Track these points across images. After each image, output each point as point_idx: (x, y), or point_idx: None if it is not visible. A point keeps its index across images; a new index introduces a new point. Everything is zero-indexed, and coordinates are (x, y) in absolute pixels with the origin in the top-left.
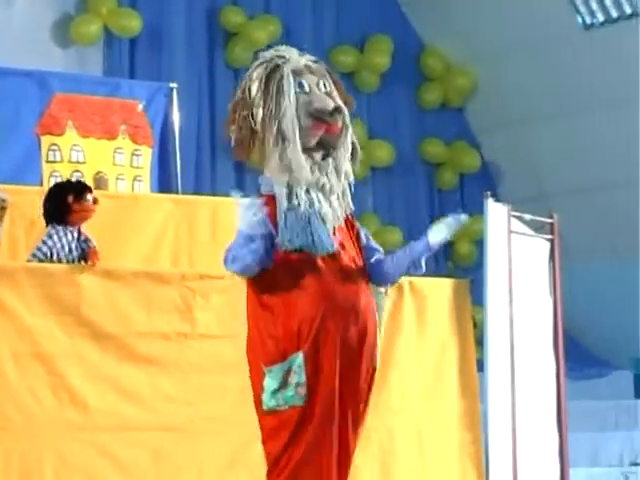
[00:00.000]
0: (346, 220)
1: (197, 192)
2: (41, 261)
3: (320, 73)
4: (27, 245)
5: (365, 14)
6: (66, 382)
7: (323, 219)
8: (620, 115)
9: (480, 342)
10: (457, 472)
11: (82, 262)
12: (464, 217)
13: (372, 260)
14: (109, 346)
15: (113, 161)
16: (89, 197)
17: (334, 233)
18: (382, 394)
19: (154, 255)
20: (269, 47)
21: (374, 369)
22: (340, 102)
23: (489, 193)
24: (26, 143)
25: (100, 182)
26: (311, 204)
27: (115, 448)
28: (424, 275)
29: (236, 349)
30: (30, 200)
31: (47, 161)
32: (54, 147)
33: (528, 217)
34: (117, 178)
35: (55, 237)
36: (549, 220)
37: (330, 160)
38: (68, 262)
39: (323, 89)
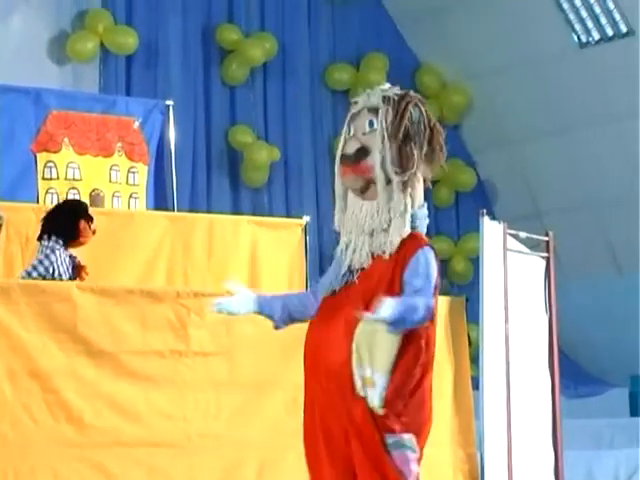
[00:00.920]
0: (400, 250)
1: (192, 209)
2: (41, 275)
3: (374, 110)
4: (23, 262)
5: (361, 32)
6: (61, 399)
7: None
8: (615, 132)
9: (475, 360)
10: None
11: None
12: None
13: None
14: (104, 363)
15: (109, 178)
16: (93, 226)
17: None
18: None
19: (149, 272)
20: (265, 65)
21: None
22: (378, 139)
23: (484, 211)
24: (22, 160)
25: (96, 199)
26: (346, 247)
27: (110, 464)
28: None
29: (230, 366)
30: (26, 217)
31: (43, 178)
32: (50, 164)
33: (523, 235)
34: (113, 195)
35: (57, 252)
36: (544, 238)
37: (360, 197)
38: (69, 279)
39: (367, 128)
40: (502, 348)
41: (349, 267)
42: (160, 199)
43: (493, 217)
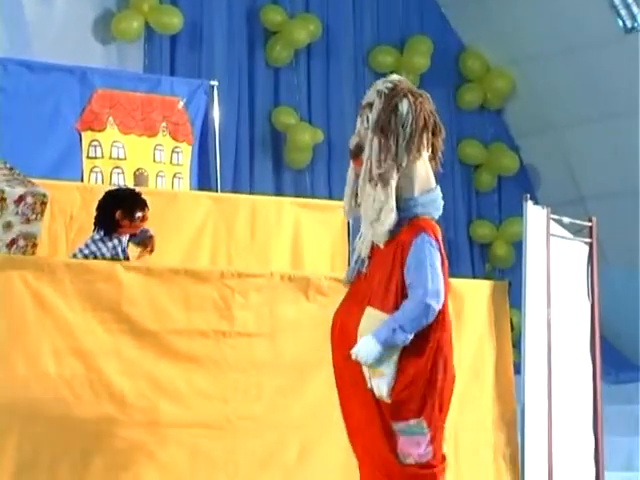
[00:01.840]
0: (397, 238)
1: (235, 190)
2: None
3: (369, 106)
4: (67, 240)
5: (405, 15)
6: (104, 378)
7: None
8: None
9: (516, 344)
10: (492, 474)
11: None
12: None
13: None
14: (147, 343)
15: (153, 158)
16: (138, 214)
17: (369, 256)
18: None
19: (193, 252)
20: (309, 46)
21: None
22: (368, 134)
23: (528, 196)
24: (67, 138)
25: (140, 179)
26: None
27: (150, 443)
28: (462, 277)
29: (273, 348)
30: (70, 195)
31: (88, 157)
32: (95, 143)
33: (567, 220)
34: (157, 175)
35: (100, 243)
36: (588, 223)
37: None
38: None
39: (365, 124)
40: (544, 333)
41: (358, 257)
42: (203, 179)
43: (536, 202)
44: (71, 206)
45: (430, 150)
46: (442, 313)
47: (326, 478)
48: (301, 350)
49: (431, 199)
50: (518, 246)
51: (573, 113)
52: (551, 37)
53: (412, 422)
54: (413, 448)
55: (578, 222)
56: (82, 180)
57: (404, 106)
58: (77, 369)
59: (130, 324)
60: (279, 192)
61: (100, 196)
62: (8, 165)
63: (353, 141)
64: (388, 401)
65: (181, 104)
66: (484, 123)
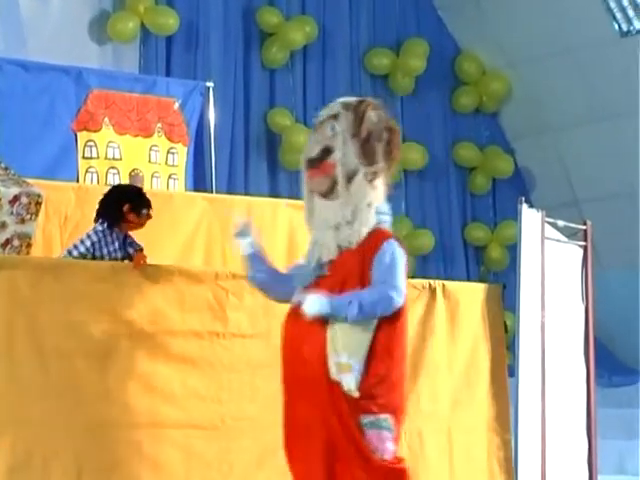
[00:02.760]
0: (365, 242)
1: (230, 191)
2: (82, 255)
3: (334, 117)
4: (61, 241)
5: (401, 17)
6: (98, 379)
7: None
8: None
9: (510, 347)
10: (486, 476)
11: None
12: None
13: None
14: (142, 343)
15: (148, 159)
16: (144, 211)
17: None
18: (412, 397)
19: (188, 253)
20: (305, 48)
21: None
22: (339, 139)
23: (523, 199)
24: (62, 139)
25: (135, 179)
26: (315, 243)
27: (145, 445)
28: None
29: (268, 349)
30: (65, 196)
31: (83, 157)
32: (90, 143)
33: (561, 223)
34: (152, 176)
35: (101, 234)
36: (582, 227)
37: (324, 199)
38: (111, 260)
39: (329, 132)
40: (538, 336)
41: (318, 261)
42: (199, 180)
43: (530, 205)
44: (66, 206)
45: (392, 162)
46: (402, 316)
47: None
48: None
49: (388, 212)
50: (513, 249)
51: (568, 116)
52: (546, 40)
53: (381, 417)
54: (380, 443)
55: (573, 225)
56: (77, 180)
57: (374, 116)
58: (70, 369)
59: (124, 324)
60: (274, 193)
61: (95, 196)
62: (3, 165)
63: (316, 148)
64: (356, 395)
65: (177, 105)
66: (479, 126)
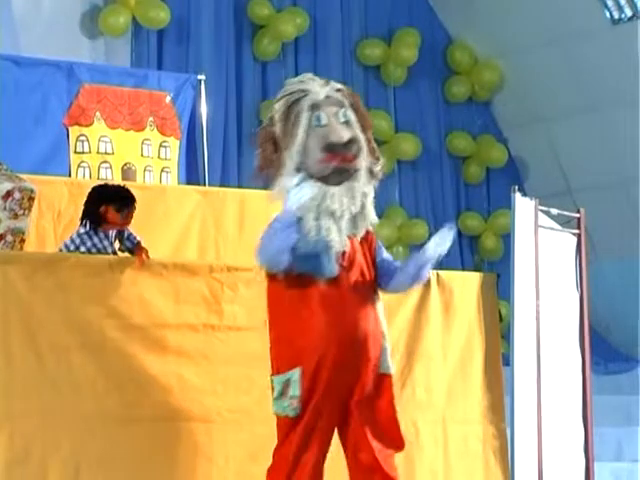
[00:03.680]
0: (365, 234)
1: (223, 184)
2: None
3: (339, 103)
4: (55, 235)
5: (393, 7)
6: (93, 373)
7: (328, 245)
8: None
9: (505, 336)
10: (481, 466)
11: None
12: (453, 229)
13: (387, 273)
14: (137, 337)
15: (141, 152)
16: (124, 210)
17: (343, 253)
18: (407, 387)
19: (181, 246)
20: (296, 40)
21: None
22: (357, 131)
23: (516, 187)
24: (54, 133)
25: (128, 173)
26: (319, 231)
27: (140, 438)
28: (451, 269)
29: (263, 341)
30: (58, 191)
31: (75, 152)
32: (82, 138)
33: (555, 212)
34: (145, 169)
35: (85, 236)
36: (576, 215)
37: (344, 186)
38: None
39: (342, 119)
40: (533, 325)
41: (338, 250)
42: (191, 174)
43: (524, 194)
44: (59, 201)
45: None
46: None
47: None
48: None
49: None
50: (507, 238)
51: (561, 105)
52: (539, 29)
53: None
54: None
55: (566, 213)
56: (70, 175)
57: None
58: (66, 364)
59: (119, 318)
60: (267, 186)
61: (88, 191)
62: None
63: (345, 133)
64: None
65: (168, 98)
66: (472, 115)
